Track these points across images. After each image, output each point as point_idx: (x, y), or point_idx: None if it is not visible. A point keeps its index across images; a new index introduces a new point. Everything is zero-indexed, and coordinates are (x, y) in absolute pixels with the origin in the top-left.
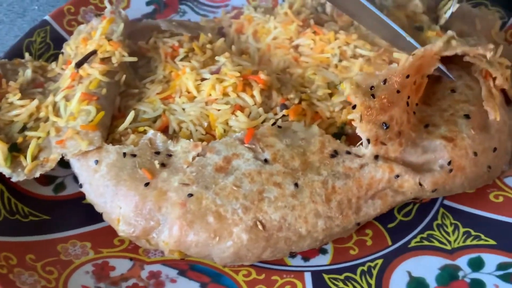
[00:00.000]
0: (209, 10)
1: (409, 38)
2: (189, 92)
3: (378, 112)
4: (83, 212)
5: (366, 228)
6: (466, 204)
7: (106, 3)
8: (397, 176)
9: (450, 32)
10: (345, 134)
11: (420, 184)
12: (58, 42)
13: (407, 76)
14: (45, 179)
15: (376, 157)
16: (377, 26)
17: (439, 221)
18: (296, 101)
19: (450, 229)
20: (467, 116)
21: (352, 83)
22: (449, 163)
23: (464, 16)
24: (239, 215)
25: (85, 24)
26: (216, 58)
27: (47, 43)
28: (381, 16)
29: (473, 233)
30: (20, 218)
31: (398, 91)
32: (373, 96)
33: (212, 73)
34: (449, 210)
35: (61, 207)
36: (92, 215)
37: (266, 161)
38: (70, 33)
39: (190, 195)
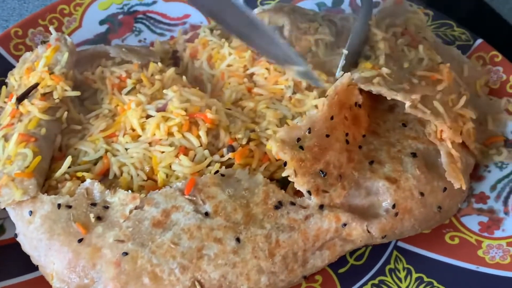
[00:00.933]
0: (166, 29)
1: (299, 59)
2: (133, 130)
3: (311, 162)
4: (22, 258)
5: (316, 274)
6: (421, 246)
7: (51, 29)
8: (344, 224)
9: (384, 69)
10: None
11: (369, 231)
12: (4, 68)
13: (332, 118)
14: None
15: (321, 206)
16: (268, 46)
17: (391, 265)
18: (244, 141)
19: (402, 275)
20: (413, 155)
21: (277, 140)
22: (394, 206)
23: (453, 60)
24: (176, 275)
25: (31, 52)
26: (164, 91)
27: None
28: (273, 36)
29: (425, 279)
30: None
31: (327, 135)
32: (302, 147)
33: (158, 110)
34: (403, 252)
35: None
36: (31, 261)
37: (207, 214)
38: (17, 58)
39: (125, 253)
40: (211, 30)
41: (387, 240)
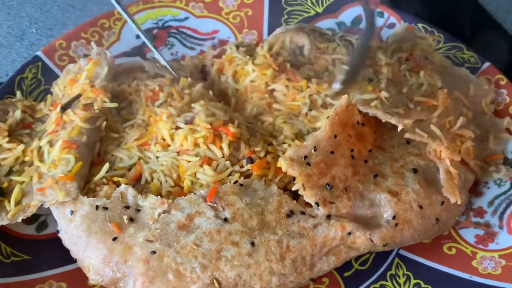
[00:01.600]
0: (196, 43)
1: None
2: (164, 140)
3: (318, 176)
4: (61, 252)
5: (323, 276)
6: (420, 255)
7: (93, 44)
8: (349, 233)
9: (383, 93)
10: None
11: (371, 240)
12: (49, 77)
13: (335, 136)
14: (29, 217)
15: (329, 216)
16: None
17: (392, 271)
18: (262, 154)
19: (402, 280)
20: (415, 171)
21: (286, 158)
22: (394, 217)
23: (459, 80)
24: (197, 273)
25: (73, 64)
26: (192, 105)
27: (38, 79)
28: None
29: (423, 285)
30: (2, 259)
31: (332, 152)
32: (309, 164)
33: (186, 122)
34: (404, 260)
35: (41, 246)
36: (69, 255)
37: (226, 219)
38: (61, 68)
39: (153, 252)
40: (237, 47)
41: (389, 248)
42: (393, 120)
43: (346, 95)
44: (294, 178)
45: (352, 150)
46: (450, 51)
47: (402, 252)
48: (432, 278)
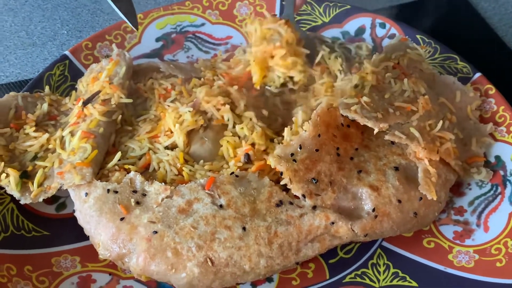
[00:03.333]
0: (211, 47)
1: None
2: (171, 132)
3: (304, 172)
4: (76, 230)
5: (310, 262)
6: (401, 247)
7: (114, 46)
8: (333, 223)
9: (364, 98)
10: None
11: (353, 230)
12: (75, 74)
13: (319, 135)
14: (50, 198)
15: (314, 207)
16: None
17: (374, 261)
18: (263, 148)
19: (382, 269)
20: (396, 168)
21: (274, 156)
22: (374, 209)
23: (447, 87)
24: (193, 252)
25: (97, 64)
26: (194, 89)
27: (65, 76)
28: None
29: (400, 274)
30: (24, 234)
31: (317, 150)
32: (295, 161)
33: (191, 107)
34: (385, 251)
35: (60, 224)
36: (83, 233)
37: (221, 206)
38: (86, 66)
39: (155, 232)
40: (244, 51)
41: (370, 238)
42: (369, 123)
43: (326, 97)
44: (281, 173)
45: (338, 148)
46: (444, 62)
47: (384, 244)
48: (409, 268)
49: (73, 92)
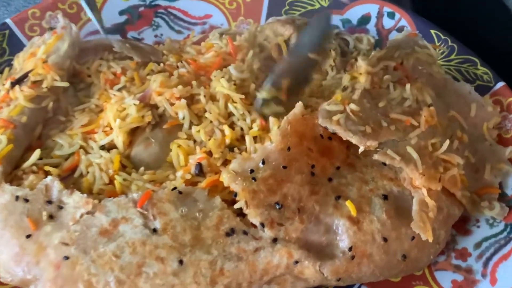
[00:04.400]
0: (185, 27)
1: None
2: (111, 128)
3: (265, 194)
4: None
5: None
6: None
7: (60, 17)
8: (296, 262)
9: (351, 106)
10: None
11: (321, 272)
12: (16, 47)
13: (288, 149)
14: None
15: (275, 240)
16: None
17: None
18: (219, 163)
19: None
20: (385, 197)
21: (229, 171)
22: (351, 248)
23: (461, 98)
24: None
25: (39, 37)
26: (148, 77)
27: (2, 48)
28: None
29: None
30: None
31: (284, 167)
32: (254, 179)
33: (139, 99)
34: None
35: None
36: None
37: (154, 230)
38: (30, 39)
39: (66, 257)
40: (221, 34)
41: (344, 283)
42: (353, 139)
43: (300, 102)
44: (236, 194)
45: (313, 166)
46: (462, 65)
47: None
48: None
49: (6, 69)
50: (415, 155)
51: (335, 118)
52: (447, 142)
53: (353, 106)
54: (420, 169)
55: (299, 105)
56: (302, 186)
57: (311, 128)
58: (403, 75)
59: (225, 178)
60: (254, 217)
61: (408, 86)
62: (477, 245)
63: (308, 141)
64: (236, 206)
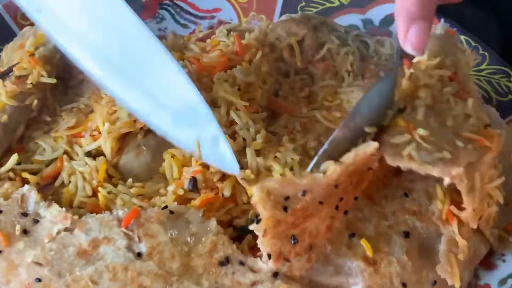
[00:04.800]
0: (191, 20)
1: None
2: (99, 132)
3: (288, 226)
4: None
5: None
6: None
7: None
8: None
9: (420, 131)
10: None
11: None
12: (5, 36)
13: (336, 186)
14: None
15: (276, 274)
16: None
17: None
18: (216, 178)
19: None
20: (406, 234)
21: (263, 189)
22: None
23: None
24: None
25: (31, 27)
26: None
27: None
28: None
29: None
30: None
31: (320, 202)
32: (286, 209)
33: None
34: None
35: None
36: None
37: (139, 255)
38: (22, 28)
39: (38, 280)
40: (229, 31)
41: None
42: (435, 172)
43: (376, 143)
44: (257, 217)
45: (341, 199)
46: (493, 76)
47: None
48: None
49: None
50: (478, 184)
51: (405, 153)
52: (503, 177)
53: (421, 131)
54: (476, 203)
55: (372, 145)
56: (324, 221)
57: (368, 164)
58: (458, 88)
59: (256, 195)
60: (265, 246)
61: (470, 100)
62: (502, 281)
63: (356, 176)
64: (250, 227)
